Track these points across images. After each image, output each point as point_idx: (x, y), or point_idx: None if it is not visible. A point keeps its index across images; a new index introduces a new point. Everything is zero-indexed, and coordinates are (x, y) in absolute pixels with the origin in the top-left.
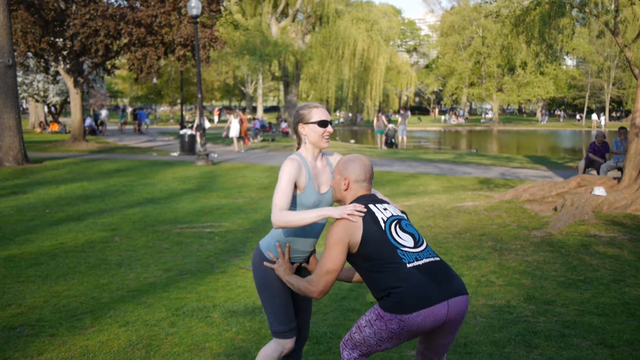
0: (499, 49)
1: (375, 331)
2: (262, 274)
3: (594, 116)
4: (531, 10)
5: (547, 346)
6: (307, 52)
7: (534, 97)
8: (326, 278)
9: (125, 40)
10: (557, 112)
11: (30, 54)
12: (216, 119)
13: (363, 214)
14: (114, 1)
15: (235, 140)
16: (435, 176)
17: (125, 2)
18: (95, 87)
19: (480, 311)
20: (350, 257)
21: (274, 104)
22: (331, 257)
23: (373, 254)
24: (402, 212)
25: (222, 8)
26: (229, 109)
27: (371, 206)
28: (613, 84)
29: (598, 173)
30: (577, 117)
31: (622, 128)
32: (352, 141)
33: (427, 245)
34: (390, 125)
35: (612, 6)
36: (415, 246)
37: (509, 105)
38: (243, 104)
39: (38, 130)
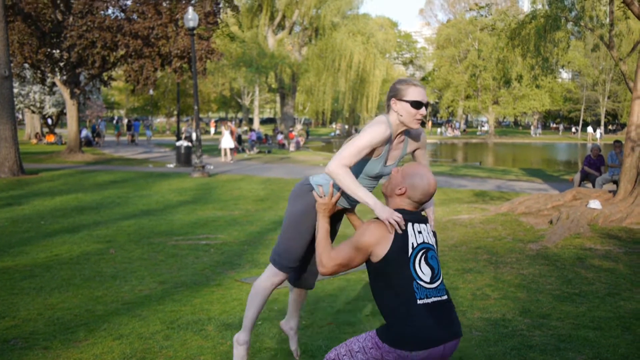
0: (494, 62)
1: (369, 359)
2: (303, 207)
3: (590, 129)
4: (526, 23)
5: None
6: (303, 64)
7: (530, 109)
8: (337, 268)
9: (122, 52)
10: (554, 125)
11: (26, 65)
12: (212, 130)
13: (401, 232)
14: (111, 13)
15: (227, 152)
16: None
17: (123, 14)
18: (91, 98)
19: (475, 325)
20: (368, 264)
21: (271, 115)
22: (350, 255)
23: (390, 275)
24: (434, 234)
25: (219, 20)
26: (224, 120)
27: (409, 226)
28: (608, 97)
29: (594, 186)
30: (573, 129)
31: (617, 141)
32: None
33: (441, 281)
34: None
35: (607, 20)
36: (431, 282)
37: (505, 117)
38: (239, 115)
39: (34, 141)
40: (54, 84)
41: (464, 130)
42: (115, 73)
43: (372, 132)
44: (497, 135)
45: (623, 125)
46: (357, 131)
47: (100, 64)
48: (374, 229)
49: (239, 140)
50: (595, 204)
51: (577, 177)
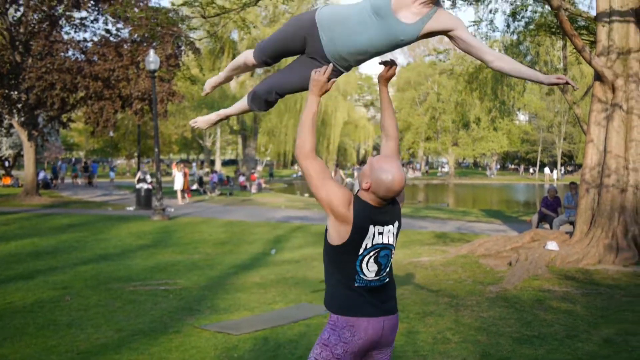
0: (453, 105)
1: (336, 343)
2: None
3: (547, 170)
4: (484, 68)
5: None
6: None
7: (489, 151)
8: (310, 163)
9: (82, 94)
10: (512, 166)
11: None
12: (174, 172)
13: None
14: (71, 55)
15: (179, 193)
16: None
17: (83, 56)
18: (50, 140)
19: None
20: (325, 245)
21: (232, 157)
22: (325, 174)
23: (338, 263)
24: (399, 227)
25: (180, 63)
26: (184, 162)
27: (370, 227)
28: (564, 139)
29: (551, 227)
30: (531, 170)
31: (572, 183)
32: (307, 195)
33: (386, 274)
34: (348, 180)
35: (561, 65)
36: (376, 276)
37: (464, 159)
38: (201, 157)
39: None
40: (11, 126)
41: (426, 172)
42: (74, 115)
43: None
44: (457, 176)
45: (580, 166)
46: None
47: (59, 106)
48: (346, 192)
49: (200, 182)
50: (552, 245)
51: (535, 218)
